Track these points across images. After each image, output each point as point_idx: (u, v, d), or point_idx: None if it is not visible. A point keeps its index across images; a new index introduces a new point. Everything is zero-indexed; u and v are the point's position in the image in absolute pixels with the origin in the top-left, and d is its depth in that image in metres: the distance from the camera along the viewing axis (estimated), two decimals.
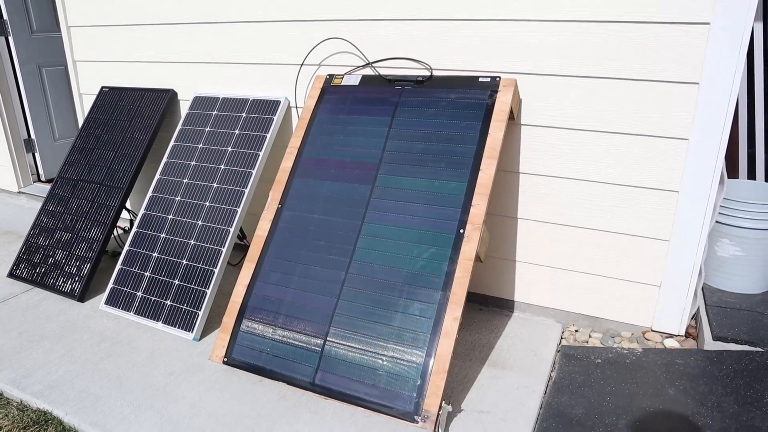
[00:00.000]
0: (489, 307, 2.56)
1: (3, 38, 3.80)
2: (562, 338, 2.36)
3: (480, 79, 2.16)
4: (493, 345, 2.28)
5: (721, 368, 1.98)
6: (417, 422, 1.76)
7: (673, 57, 1.97)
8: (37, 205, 3.96)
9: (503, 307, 2.54)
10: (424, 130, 2.15)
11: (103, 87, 3.16)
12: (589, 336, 2.35)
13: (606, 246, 2.26)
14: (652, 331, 2.29)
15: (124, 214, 3.55)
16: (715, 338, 2.08)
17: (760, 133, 3.01)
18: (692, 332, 2.29)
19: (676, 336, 2.26)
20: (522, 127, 2.25)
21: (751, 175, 3.08)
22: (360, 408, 1.86)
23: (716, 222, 2.34)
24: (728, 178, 2.84)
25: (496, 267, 2.49)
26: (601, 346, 2.27)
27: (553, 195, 2.28)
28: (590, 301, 2.36)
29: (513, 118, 2.18)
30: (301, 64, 2.59)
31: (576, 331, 2.40)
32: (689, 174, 2.06)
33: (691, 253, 2.14)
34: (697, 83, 1.97)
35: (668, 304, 2.22)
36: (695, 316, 2.35)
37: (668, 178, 2.10)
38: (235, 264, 3.03)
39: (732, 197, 2.28)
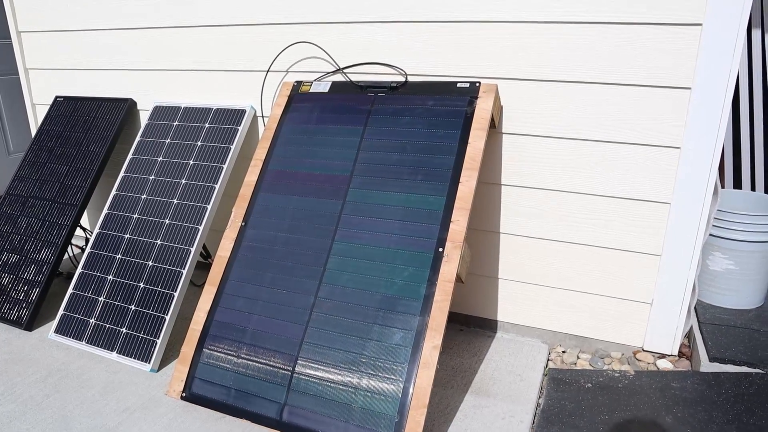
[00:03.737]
0: (470, 327, 2.41)
1: None
2: (549, 360, 2.21)
3: (458, 85, 2.01)
4: (476, 370, 2.12)
5: (719, 392, 1.85)
6: None
7: (663, 60, 1.85)
8: None
9: (486, 327, 2.39)
10: (399, 139, 1.99)
11: (57, 96, 2.96)
12: (578, 357, 2.20)
13: (594, 261, 2.12)
14: (644, 351, 2.16)
15: (82, 233, 3.32)
16: (712, 359, 1.95)
17: (746, 143, 2.93)
18: (685, 351, 2.16)
19: (669, 356, 2.13)
20: (503, 135, 2.11)
21: (737, 185, 2.99)
22: None
23: (708, 234, 2.22)
24: None
25: (477, 285, 2.33)
26: (591, 368, 2.12)
27: (537, 208, 2.14)
28: (578, 320, 2.22)
29: (494, 126, 2.04)
30: (267, 71, 2.42)
31: (563, 352, 2.26)
32: (681, 184, 1.94)
33: (684, 268, 2.01)
34: (689, 88, 1.85)
35: (660, 322, 2.09)
36: (688, 335, 2.22)
37: (659, 189, 1.97)
38: (199, 285, 2.84)
39: (725, 208, 2.16)
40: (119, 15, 2.68)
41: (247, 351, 1.86)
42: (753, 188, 2.93)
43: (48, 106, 3.09)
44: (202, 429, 1.81)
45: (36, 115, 3.16)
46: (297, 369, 1.77)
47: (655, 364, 2.10)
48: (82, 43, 2.84)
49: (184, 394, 1.89)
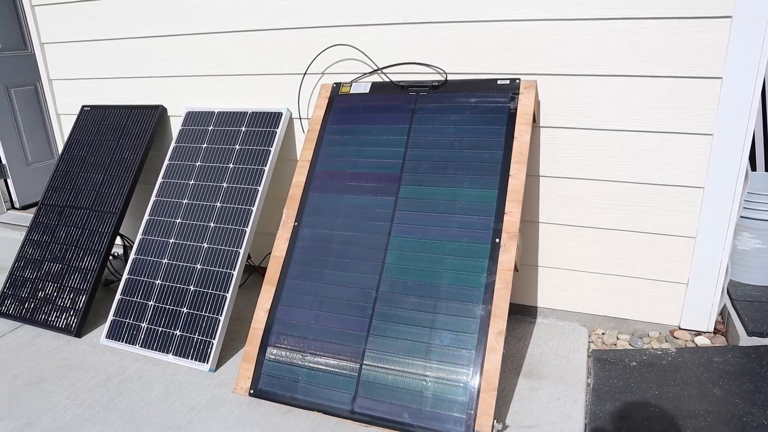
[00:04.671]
0: (512, 314, 2.50)
1: None
2: (590, 342, 2.31)
3: (499, 82, 2.09)
4: (524, 354, 2.21)
5: (761, 364, 1.96)
6: None
7: (696, 52, 1.95)
8: (12, 235, 3.72)
9: (526, 313, 2.48)
10: (446, 136, 2.07)
11: (84, 106, 2.98)
12: (617, 338, 2.30)
13: (631, 246, 2.22)
14: (680, 329, 2.26)
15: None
16: (751, 333, 2.06)
17: (759, 125, 3.05)
18: (720, 328, 2.27)
19: (705, 333, 2.24)
20: (541, 129, 2.19)
21: (752, 167, 3.11)
22: None
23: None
24: None
25: (518, 273, 2.42)
26: (632, 347, 2.22)
27: (575, 197, 2.23)
28: (616, 303, 2.32)
29: (534, 120, 2.13)
30: (304, 73, 2.48)
31: (603, 334, 2.35)
32: (714, 170, 2.04)
33: (718, 249, 2.11)
34: (720, 78, 1.95)
35: (696, 301, 2.20)
36: (721, 312, 2.33)
37: (693, 175, 2.07)
38: (240, 285, 2.88)
39: (752, 190, 2.27)
40: (146, 23, 2.71)
41: (312, 346, 1.92)
42: (754, 169, 3.05)
43: (74, 116, 3.11)
44: (271, 423, 1.87)
45: (61, 126, 3.18)
46: (365, 361, 1.84)
47: (693, 341, 2.21)
48: (108, 53, 2.87)
49: (252, 391, 1.95)
